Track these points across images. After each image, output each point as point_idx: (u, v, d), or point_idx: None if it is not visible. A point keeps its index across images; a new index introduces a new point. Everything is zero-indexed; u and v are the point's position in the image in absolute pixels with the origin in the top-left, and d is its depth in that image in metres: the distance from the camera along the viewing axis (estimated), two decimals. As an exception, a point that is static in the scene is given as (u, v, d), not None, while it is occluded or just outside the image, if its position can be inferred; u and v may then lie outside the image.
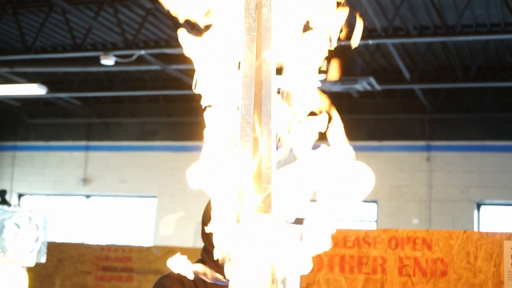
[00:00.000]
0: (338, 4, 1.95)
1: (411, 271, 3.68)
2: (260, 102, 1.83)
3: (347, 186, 1.88)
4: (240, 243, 1.77)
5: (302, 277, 3.82)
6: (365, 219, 15.56)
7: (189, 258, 6.96)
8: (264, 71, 1.84)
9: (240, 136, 1.83)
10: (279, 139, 1.91)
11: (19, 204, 17.63)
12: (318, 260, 3.83)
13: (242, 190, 1.80)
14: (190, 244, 15.15)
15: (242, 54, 1.85)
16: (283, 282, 1.80)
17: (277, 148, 1.86)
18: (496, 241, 3.58)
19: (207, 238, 2.71)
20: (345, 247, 3.80)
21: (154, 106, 17.05)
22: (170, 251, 8.46)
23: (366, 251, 3.78)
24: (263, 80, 1.84)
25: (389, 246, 3.74)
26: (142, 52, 12.12)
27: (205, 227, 1.95)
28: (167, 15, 11.20)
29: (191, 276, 1.91)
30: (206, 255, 2.63)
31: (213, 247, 2.02)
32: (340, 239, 3.83)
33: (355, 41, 1.96)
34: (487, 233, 3.63)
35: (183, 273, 1.93)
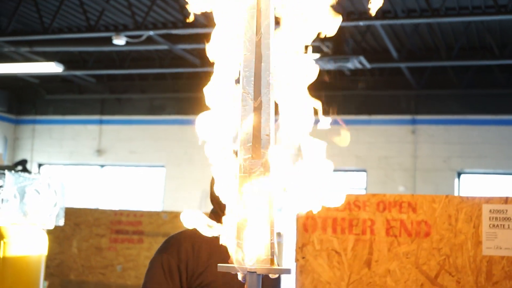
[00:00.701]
0: None
1: (397, 232, 3.69)
2: (260, 74, 1.83)
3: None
4: (242, 203, 1.78)
5: (298, 237, 3.83)
6: (355, 186, 15.60)
7: (194, 221, 6.88)
8: (264, 45, 1.83)
9: (241, 106, 1.83)
10: (277, 109, 1.90)
11: (38, 173, 17.66)
12: (312, 222, 3.84)
13: (243, 155, 1.80)
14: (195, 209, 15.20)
15: (243, 29, 1.85)
16: (281, 237, 1.81)
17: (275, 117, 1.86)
18: (475, 204, 3.59)
19: (216, 201, 2.70)
20: (337, 210, 3.81)
21: (162, 83, 17.02)
22: (178, 215, 8.49)
23: (357, 214, 3.78)
24: (262, 54, 1.84)
25: (377, 209, 3.75)
26: (151, 33, 12.07)
27: (214, 191, 1.95)
28: (174, -2, 11.14)
29: (204, 230, 1.90)
30: (214, 217, 2.63)
31: (221, 209, 2.01)
32: (333, 203, 3.83)
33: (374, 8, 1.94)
34: (467, 197, 3.63)
35: (197, 227, 1.92)
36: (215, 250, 2.53)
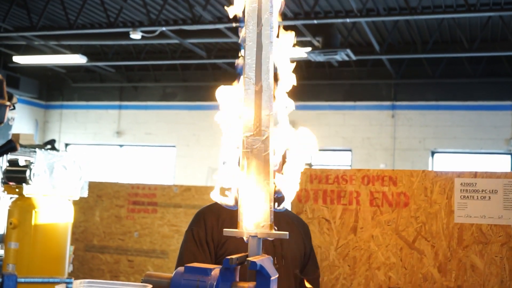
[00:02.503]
0: None
1: (380, 203, 3.68)
2: (261, 61, 1.81)
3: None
4: (244, 175, 1.76)
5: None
6: (342, 163, 15.60)
7: (201, 194, 6.90)
8: (264, 36, 1.81)
9: (244, 89, 1.81)
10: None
11: (65, 151, 17.65)
12: (305, 194, 3.83)
13: (246, 132, 1.78)
14: (202, 183, 15.22)
15: (245, 21, 1.82)
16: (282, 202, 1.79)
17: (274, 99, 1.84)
18: (448, 178, 3.57)
19: None
20: (327, 183, 3.80)
21: (173, 73, 16.97)
22: (187, 189, 8.49)
23: (344, 186, 3.77)
24: (263, 44, 1.81)
25: (362, 182, 3.74)
26: (164, 28, 12.01)
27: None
28: (183, -2, 11.07)
29: (231, 202, 1.87)
30: None
31: None
32: (323, 177, 3.82)
33: None
34: (441, 172, 3.62)
35: (223, 202, 1.89)
36: (237, 222, 2.50)
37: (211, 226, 2.60)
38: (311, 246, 2.89)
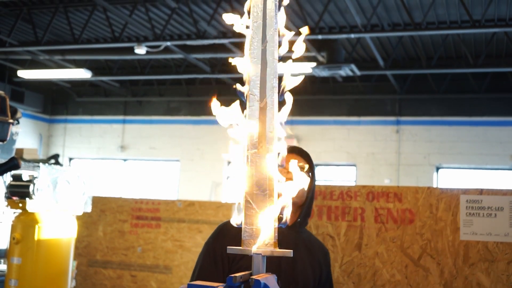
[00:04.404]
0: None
1: (384, 219, 3.66)
2: (265, 78, 1.80)
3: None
4: (249, 193, 1.75)
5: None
6: (346, 179, 15.57)
7: (205, 209, 6.86)
8: (269, 52, 1.81)
9: (248, 106, 1.80)
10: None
11: (69, 166, 17.67)
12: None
13: (250, 149, 1.78)
14: (206, 198, 15.20)
15: (250, 38, 1.82)
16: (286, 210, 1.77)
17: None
18: (453, 195, 3.55)
19: None
20: (332, 199, 3.78)
21: (177, 87, 17.02)
22: (190, 204, 8.46)
23: (349, 203, 3.75)
24: (267, 60, 1.81)
25: (367, 199, 3.72)
26: (168, 43, 12.06)
27: None
28: (189, 13, 11.12)
29: (239, 221, 1.85)
30: None
31: None
32: (328, 193, 3.80)
33: None
34: (446, 189, 3.60)
35: (234, 222, 1.88)
36: None
37: (228, 241, 2.58)
38: (328, 272, 2.84)
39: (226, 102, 1.86)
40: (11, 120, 2.47)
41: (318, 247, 2.86)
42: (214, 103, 1.84)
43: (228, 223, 2.67)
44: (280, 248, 1.79)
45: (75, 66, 14.61)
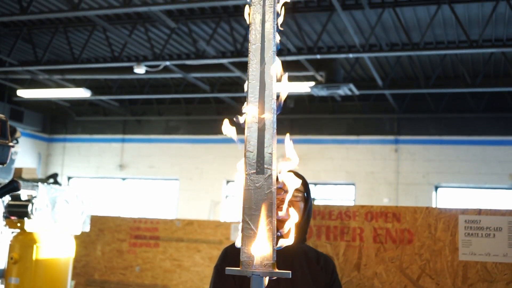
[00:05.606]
0: None
1: (383, 239, 3.65)
2: (264, 99, 1.81)
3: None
4: (247, 214, 1.75)
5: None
6: (345, 198, 15.55)
7: (204, 228, 6.86)
8: (267, 74, 1.82)
9: (246, 127, 1.81)
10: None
11: (68, 185, 17.64)
12: (308, 230, 3.80)
13: (249, 170, 1.78)
14: (205, 217, 15.16)
15: (249, 59, 1.83)
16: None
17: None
18: (452, 215, 3.55)
19: None
20: (330, 219, 3.77)
21: (176, 106, 17.05)
22: (189, 223, 8.44)
23: (347, 223, 3.75)
24: (266, 82, 1.82)
25: (365, 219, 3.71)
26: (167, 63, 12.11)
27: None
28: (188, 33, 11.18)
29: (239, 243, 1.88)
30: None
31: None
32: (326, 213, 3.80)
33: None
34: (445, 209, 3.60)
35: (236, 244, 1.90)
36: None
37: (234, 262, 2.60)
38: (333, 278, 2.91)
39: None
40: (11, 144, 2.48)
41: (318, 259, 2.92)
42: (226, 124, 1.86)
43: (233, 245, 2.75)
44: (278, 260, 1.80)
45: (74, 86, 14.66)
